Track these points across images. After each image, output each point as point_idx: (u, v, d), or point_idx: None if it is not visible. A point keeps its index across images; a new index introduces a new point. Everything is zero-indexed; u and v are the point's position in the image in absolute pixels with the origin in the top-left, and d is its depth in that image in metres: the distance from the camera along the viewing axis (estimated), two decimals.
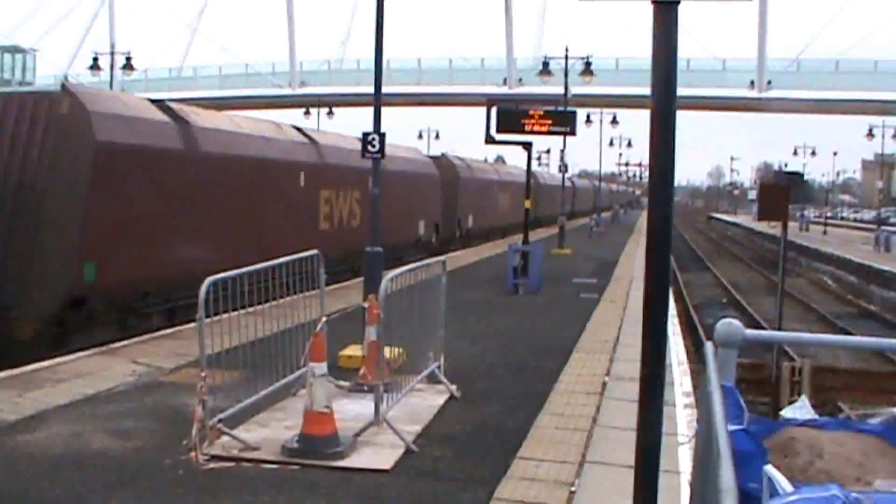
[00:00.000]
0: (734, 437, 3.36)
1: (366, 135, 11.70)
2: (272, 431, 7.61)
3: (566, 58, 32.55)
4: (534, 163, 24.30)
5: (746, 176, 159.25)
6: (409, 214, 26.08)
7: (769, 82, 50.43)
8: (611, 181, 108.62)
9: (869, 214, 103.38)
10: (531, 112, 19.97)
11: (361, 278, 12.37)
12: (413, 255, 22.84)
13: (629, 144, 77.86)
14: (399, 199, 23.73)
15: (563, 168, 39.52)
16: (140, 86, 51.62)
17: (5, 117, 12.29)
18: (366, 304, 9.24)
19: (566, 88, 30.85)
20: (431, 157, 33.18)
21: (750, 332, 4.42)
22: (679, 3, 3.90)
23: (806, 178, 51.26)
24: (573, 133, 21.38)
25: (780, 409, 11.57)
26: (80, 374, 9.91)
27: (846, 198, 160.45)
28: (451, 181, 32.72)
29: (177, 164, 14.32)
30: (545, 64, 36.16)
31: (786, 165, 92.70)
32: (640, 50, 58.19)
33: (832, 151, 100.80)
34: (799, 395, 13.54)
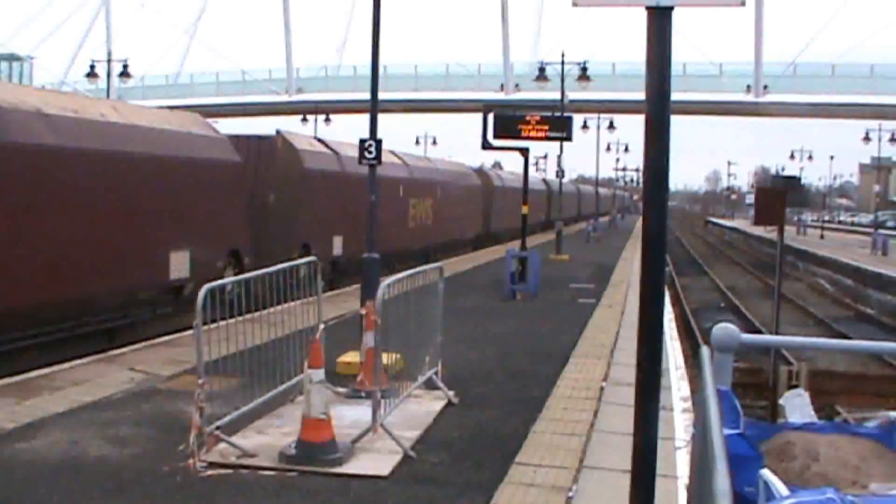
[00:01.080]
0: (730, 441, 3.37)
1: (363, 141, 11.70)
2: (270, 438, 7.60)
3: (562, 63, 32.59)
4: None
5: (744, 180, 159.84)
6: (144, 240, 14.05)
7: (766, 87, 50.60)
8: (606, 185, 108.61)
9: (866, 218, 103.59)
10: (528, 118, 20.02)
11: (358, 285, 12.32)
12: (158, 326, 12.24)
13: (626, 149, 78.01)
14: (118, 211, 13.36)
15: (560, 173, 39.51)
16: (137, 93, 51.59)
17: None
18: (363, 311, 9.27)
19: (563, 94, 30.88)
20: (240, 138, 19.28)
21: (746, 336, 4.43)
22: (672, 8, 3.92)
23: (803, 181, 51.37)
24: (570, 138, 21.42)
25: (778, 412, 11.57)
26: (78, 381, 9.91)
27: (843, 201, 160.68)
28: (285, 178, 19.57)
29: None
30: (541, 69, 36.24)
31: (783, 169, 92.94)
32: (637, 55, 58.31)
33: (829, 155, 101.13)
34: None
